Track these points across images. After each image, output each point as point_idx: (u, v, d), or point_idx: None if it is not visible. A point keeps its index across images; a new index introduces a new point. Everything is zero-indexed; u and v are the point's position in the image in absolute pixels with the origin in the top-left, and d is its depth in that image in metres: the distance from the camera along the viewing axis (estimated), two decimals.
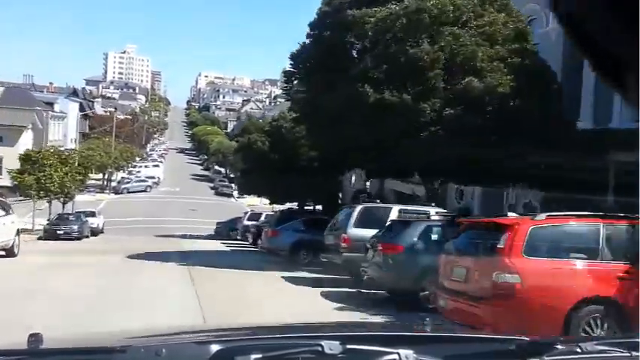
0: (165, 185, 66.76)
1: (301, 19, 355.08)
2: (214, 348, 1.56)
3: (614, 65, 0.63)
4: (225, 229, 35.89)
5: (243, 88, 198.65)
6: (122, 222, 38.89)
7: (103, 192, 56.71)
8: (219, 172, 73.97)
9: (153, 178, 63.70)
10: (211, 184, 70.10)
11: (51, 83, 68.40)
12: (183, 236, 33.73)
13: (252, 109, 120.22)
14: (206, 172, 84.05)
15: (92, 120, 79.23)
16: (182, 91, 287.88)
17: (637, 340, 1.87)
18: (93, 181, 60.26)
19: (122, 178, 64.00)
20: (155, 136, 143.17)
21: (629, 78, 0.62)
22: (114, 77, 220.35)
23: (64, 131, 64.67)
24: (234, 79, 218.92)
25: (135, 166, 72.66)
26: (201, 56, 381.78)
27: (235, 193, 61.89)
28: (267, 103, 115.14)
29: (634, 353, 1.72)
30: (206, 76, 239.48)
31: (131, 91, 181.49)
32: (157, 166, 74.91)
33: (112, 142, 57.56)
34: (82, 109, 79.02)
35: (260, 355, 1.51)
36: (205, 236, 35.40)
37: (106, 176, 57.54)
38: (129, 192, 58.14)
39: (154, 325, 5.85)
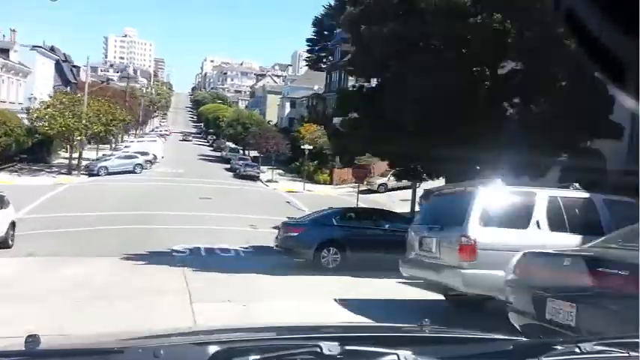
0: (165, 166, 48.37)
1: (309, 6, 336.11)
2: (212, 349, 1.50)
3: (614, 64, 0.62)
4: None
5: (253, 72, 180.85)
6: (73, 221, 20.55)
7: (71, 173, 38.02)
8: (236, 151, 55.32)
9: (146, 154, 45.02)
10: (227, 165, 51.72)
11: (13, 31, 49.04)
12: (190, 255, 16.19)
13: (268, 83, 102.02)
14: (217, 154, 65.85)
15: (76, 87, 61.05)
16: (186, 81, 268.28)
17: (637, 340, 1.78)
18: (63, 160, 42.03)
19: (103, 155, 45.25)
20: (155, 115, 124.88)
21: (629, 77, 0.61)
22: (114, 60, 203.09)
23: (29, 91, 46.23)
24: (242, 64, 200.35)
25: (124, 142, 54.02)
26: (206, 42, 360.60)
27: (263, 176, 43.51)
28: (286, 78, 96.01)
29: (633, 353, 1.68)
30: (212, 61, 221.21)
31: (132, 73, 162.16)
32: (154, 141, 56.16)
33: (84, 99, 38.65)
34: (60, 71, 60.64)
35: (258, 356, 1.47)
36: (248, 251, 17.92)
37: (77, 150, 38.65)
38: (108, 173, 39.49)
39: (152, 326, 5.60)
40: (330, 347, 1.48)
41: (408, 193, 31.44)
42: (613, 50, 0.61)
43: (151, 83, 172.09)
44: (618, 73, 0.62)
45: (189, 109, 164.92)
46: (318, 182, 42.82)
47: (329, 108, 57.24)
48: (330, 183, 43.31)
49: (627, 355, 1.70)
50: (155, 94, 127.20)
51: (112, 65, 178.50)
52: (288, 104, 76.10)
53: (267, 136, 45.82)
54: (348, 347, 1.53)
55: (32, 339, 1.61)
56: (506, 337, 1.99)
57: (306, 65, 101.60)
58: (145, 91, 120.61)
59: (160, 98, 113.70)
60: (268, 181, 43.48)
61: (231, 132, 57.55)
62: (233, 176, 46.02)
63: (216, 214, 25.32)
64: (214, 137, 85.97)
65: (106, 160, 41.82)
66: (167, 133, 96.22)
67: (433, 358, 1.63)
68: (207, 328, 3.26)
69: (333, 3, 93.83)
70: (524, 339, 1.97)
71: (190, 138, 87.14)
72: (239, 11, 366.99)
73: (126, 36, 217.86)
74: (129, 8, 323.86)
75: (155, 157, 49.79)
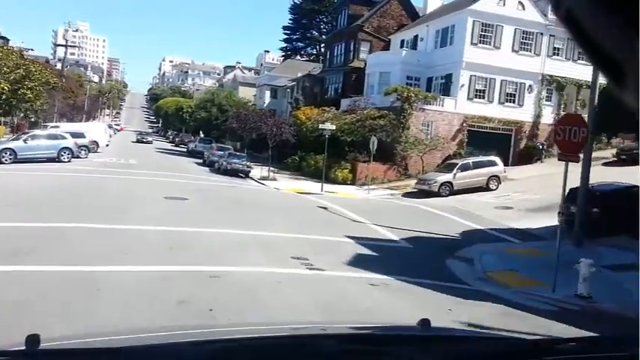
0: (109, 155, 33.34)
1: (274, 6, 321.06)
2: (212, 348, 1.48)
3: (614, 64, 0.61)
4: None
5: (216, 70, 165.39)
6: None
7: None
8: (209, 141, 40.27)
9: (81, 137, 29.94)
10: (199, 160, 37.10)
11: None
12: None
13: (239, 74, 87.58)
14: (182, 149, 50.91)
15: None
16: (143, 83, 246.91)
17: (637, 340, 1.66)
18: None
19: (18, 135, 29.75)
20: (104, 108, 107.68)
21: (630, 77, 0.60)
22: (64, 55, 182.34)
23: None
24: (203, 64, 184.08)
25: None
26: (165, 44, 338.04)
27: (273, 174, 29.54)
28: (263, 67, 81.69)
29: (633, 353, 1.61)
30: (171, 61, 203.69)
31: (82, 69, 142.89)
32: (96, 125, 40.51)
33: None
34: None
35: (258, 355, 1.44)
36: None
37: None
38: (17, 159, 24.38)
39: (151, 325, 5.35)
40: (330, 346, 1.46)
41: (501, 199, 18.15)
42: (613, 50, 0.59)
43: (103, 78, 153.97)
44: (618, 73, 0.60)
45: (146, 109, 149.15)
46: (335, 181, 29.11)
47: (333, 86, 43.85)
48: (352, 182, 29.71)
49: (627, 355, 1.64)
50: (107, 88, 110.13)
51: (60, 60, 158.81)
52: (267, 94, 62.19)
53: (260, 117, 31.66)
54: (348, 347, 1.51)
55: (32, 338, 1.57)
56: (507, 337, 2.13)
57: (282, 56, 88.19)
58: (95, 84, 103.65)
59: (110, 87, 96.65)
60: (262, 178, 29.34)
61: (202, 116, 42.74)
62: (211, 171, 31.51)
63: (217, 229, 11.28)
64: (176, 132, 70.79)
65: (13, 140, 26.42)
66: (118, 128, 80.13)
67: (433, 357, 1.56)
68: (206, 327, 3.60)
69: None
70: (524, 339, 2.03)
71: (150, 139, 58.80)
72: (199, 14, 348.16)
73: (77, 30, 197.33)
74: (81, 2, 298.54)
75: (96, 145, 34.63)
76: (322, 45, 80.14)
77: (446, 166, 26.01)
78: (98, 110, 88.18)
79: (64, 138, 27.42)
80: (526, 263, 12.29)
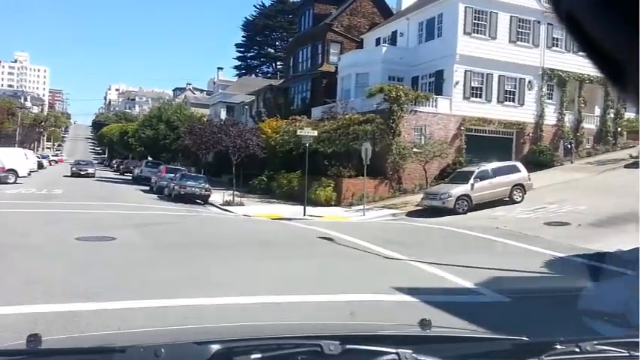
0: (28, 186, 26.24)
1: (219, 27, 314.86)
2: (213, 348, 1.43)
3: (614, 64, 0.60)
4: None
5: (165, 97, 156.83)
6: None
7: None
8: (156, 165, 33.29)
9: None
10: (145, 187, 30.41)
11: None
12: None
13: (190, 95, 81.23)
14: (127, 177, 43.77)
15: None
16: (88, 113, 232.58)
17: (637, 340, 1.71)
18: None
19: None
20: (47, 144, 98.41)
21: (629, 77, 0.59)
22: (2, 86, 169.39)
23: None
24: (152, 91, 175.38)
25: None
26: (110, 70, 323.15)
27: (239, 199, 23.42)
28: (216, 85, 75.54)
29: (633, 353, 1.61)
30: (117, 90, 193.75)
31: (22, 101, 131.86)
32: (14, 152, 32.79)
33: None
34: None
35: (259, 355, 1.43)
36: None
37: None
38: None
39: (154, 325, 5.05)
40: (330, 346, 1.43)
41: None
42: (613, 50, 0.58)
43: (44, 109, 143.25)
44: (618, 73, 0.59)
45: (91, 140, 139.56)
46: (316, 202, 23.20)
47: (299, 95, 38.17)
48: (337, 202, 23.91)
49: (628, 354, 1.62)
50: (46, 116, 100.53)
51: None
52: (223, 112, 55.97)
53: (219, 128, 25.32)
54: (348, 346, 1.47)
55: (33, 338, 1.56)
56: (507, 337, 1.88)
57: (237, 75, 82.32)
58: (30, 113, 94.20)
59: (48, 116, 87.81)
60: (226, 204, 23.08)
61: (148, 134, 35.93)
62: (160, 198, 24.95)
63: (160, 301, 5.06)
64: (120, 160, 63.23)
65: None
66: (56, 159, 71.50)
67: (433, 357, 1.51)
68: (208, 327, 3.45)
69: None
70: (524, 339, 1.79)
71: (91, 170, 40.66)
72: (145, 39, 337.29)
73: (16, 61, 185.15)
74: (19, 30, 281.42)
75: (14, 174, 27.45)
76: (279, 59, 75.32)
77: (456, 176, 20.68)
78: (34, 141, 79.14)
79: None
80: None
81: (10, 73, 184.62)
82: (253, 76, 75.17)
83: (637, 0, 0.54)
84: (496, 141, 27.07)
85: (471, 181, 19.14)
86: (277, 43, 78.14)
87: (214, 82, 77.03)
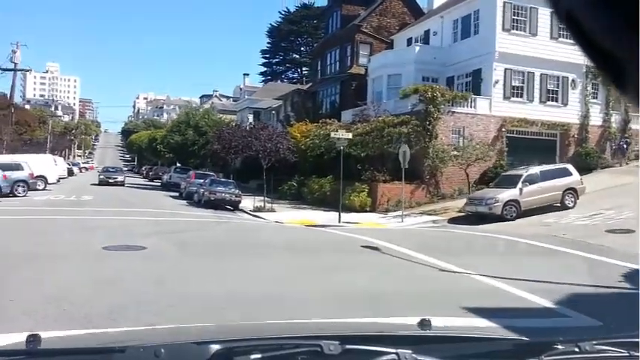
0: (57, 192, 25.86)
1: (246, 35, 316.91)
2: (213, 348, 1.42)
3: (614, 64, 0.60)
4: None
5: (192, 104, 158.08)
6: None
7: None
8: (186, 171, 32.64)
9: (16, 169, 22.59)
10: (174, 193, 29.71)
11: None
12: None
13: (217, 102, 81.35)
14: (156, 183, 43.42)
15: None
16: (118, 124, 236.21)
17: (637, 340, 1.68)
18: None
19: None
20: (78, 152, 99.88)
21: (629, 76, 0.59)
22: (34, 96, 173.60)
23: None
24: (180, 99, 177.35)
25: None
26: (139, 79, 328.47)
27: (270, 205, 22.55)
28: (242, 91, 75.31)
29: (633, 353, 1.59)
30: (145, 98, 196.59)
31: (52, 109, 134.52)
32: (44, 157, 32.61)
33: None
34: None
35: (259, 355, 1.43)
36: None
37: None
38: None
39: (154, 325, 4.87)
40: (330, 346, 1.42)
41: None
42: (612, 50, 0.58)
43: (75, 117, 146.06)
44: (618, 73, 0.59)
45: (120, 148, 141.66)
46: (350, 208, 22.10)
47: (328, 99, 37.19)
48: (372, 208, 22.76)
49: (627, 354, 1.60)
50: (76, 124, 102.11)
51: (29, 102, 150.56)
52: (250, 118, 55.44)
53: (249, 132, 24.49)
54: (348, 346, 1.47)
55: (33, 338, 1.55)
56: (507, 337, 1.98)
57: (262, 81, 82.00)
58: (61, 121, 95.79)
59: (79, 124, 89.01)
60: (257, 210, 22.18)
61: (176, 140, 35.41)
62: (189, 204, 24.23)
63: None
64: (149, 167, 63.28)
65: None
66: (86, 166, 72.12)
67: (433, 357, 1.50)
68: (208, 327, 3.45)
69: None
70: (524, 338, 1.86)
71: (120, 178, 37.95)
72: (172, 49, 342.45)
73: (47, 71, 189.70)
74: (51, 42, 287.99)
75: (43, 180, 27.17)
76: (305, 65, 74.71)
77: (502, 180, 19.31)
78: (65, 149, 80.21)
79: None
80: None
81: (41, 83, 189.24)
82: (279, 81, 74.69)
83: (637, 0, 0.53)
84: (539, 143, 25.55)
85: (520, 185, 17.77)
86: (302, 49, 77.62)
87: (240, 89, 76.91)
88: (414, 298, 7.04)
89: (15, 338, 1.73)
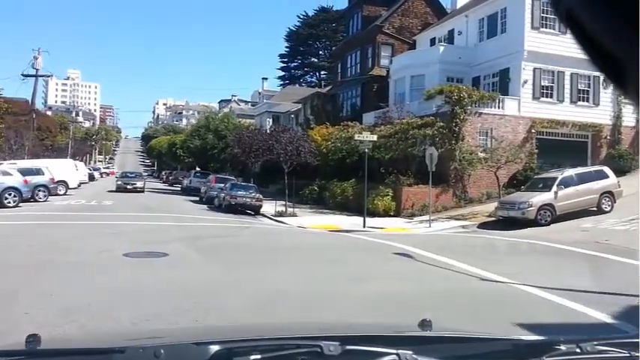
0: (77, 197, 25.73)
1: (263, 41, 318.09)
2: (213, 349, 1.41)
3: (614, 64, 0.60)
4: None
5: (211, 109, 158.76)
6: None
7: None
8: (206, 175, 32.30)
9: (37, 174, 22.46)
10: (194, 198, 29.25)
11: None
12: None
13: (236, 106, 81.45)
14: (176, 188, 43.21)
15: None
16: (138, 130, 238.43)
17: (637, 340, 1.69)
18: None
19: None
20: (99, 157, 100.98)
21: (629, 76, 0.59)
22: (55, 102, 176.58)
23: None
24: (198, 104, 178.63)
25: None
26: (158, 85, 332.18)
27: (292, 209, 22.00)
28: (261, 95, 75.26)
29: (633, 353, 1.57)
30: (165, 104, 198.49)
31: (73, 115, 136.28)
32: (72, 162, 32.53)
33: None
34: None
35: (259, 356, 1.42)
36: None
37: None
38: None
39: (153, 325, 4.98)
40: (330, 347, 1.42)
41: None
42: (613, 50, 0.58)
43: (95, 124, 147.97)
44: (618, 73, 0.59)
45: (140, 153, 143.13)
46: (374, 213, 21.45)
47: (349, 101, 36.62)
48: (397, 213, 22.08)
49: (628, 355, 1.57)
50: (97, 130, 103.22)
51: (50, 108, 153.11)
52: (269, 122, 55.16)
53: (270, 135, 24.02)
54: (348, 346, 1.46)
55: (33, 339, 1.54)
56: (507, 337, 1.89)
57: (280, 85, 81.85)
58: (82, 127, 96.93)
59: (99, 130, 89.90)
60: (278, 214, 21.68)
61: (196, 144, 35.17)
62: (210, 209, 23.84)
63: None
64: (169, 171, 63.42)
65: None
66: (107, 171, 72.62)
67: (433, 357, 1.50)
68: (208, 328, 3.51)
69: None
70: (524, 338, 1.85)
71: (139, 184, 34.56)
72: (190, 55, 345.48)
73: (68, 78, 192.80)
74: (72, 49, 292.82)
75: (65, 185, 27.10)
76: (323, 68, 74.35)
77: (534, 183, 18.48)
78: (86, 154, 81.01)
79: (7, 175, 19.86)
80: None
81: (63, 90, 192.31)
82: (297, 85, 74.39)
83: (637, 0, 0.53)
84: (569, 145, 24.60)
85: (555, 188, 16.93)
86: (320, 53, 77.30)
87: (259, 93, 76.76)
88: (460, 313, 6.39)
89: (16, 339, 1.70)
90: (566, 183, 17.23)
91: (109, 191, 32.14)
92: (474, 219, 19.23)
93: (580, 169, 18.16)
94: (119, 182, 34.17)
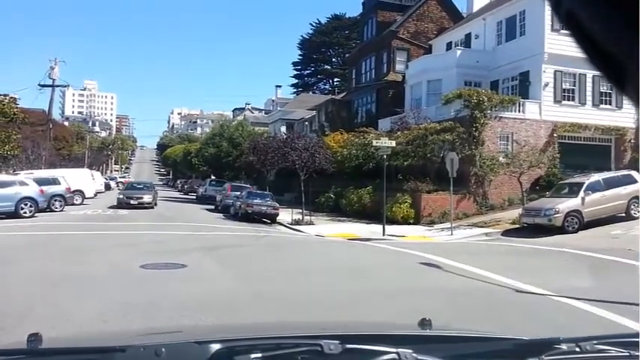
0: (94, 207, 25.63)
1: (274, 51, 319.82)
2: (214, 347, 1.41)
3: (614, 64, 0.60)
4: None
5: (225, 117, 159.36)
6: None
7: None
8: (221, 183, 32.10)
9: (53, 184, 22.40)
10: (210, 206, 28.91)
11: None
12: None
13: (250, 114, 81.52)
14: (191, 196, 43.10)
15: None
16: (153, 138, 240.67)
17: (637, 339, 1.69)
18: None
19: None
20: (115, 166, 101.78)
21: (629, 76, 0.59)
22: (72, 113, 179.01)
23: None
24: (212, 113, 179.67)
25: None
26: (173, 95, 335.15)
27: (309, 217, 21.67)
28: (275, 103, 75.22)
29: (633, 353, 1.57)
30: (179, 113, 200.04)
31: (90, 125, 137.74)
32: (89, 172, 32.53)
33: None
34: None
35: (260, 355, 1.41)
36: None
37: None
38: None
39: (155, 324, 5.08)
40: (330, 346, 1.41)
41: None
42: (613, 50, 0.58)
43: (112, 133, 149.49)
44: (618, 73, 0.59)
45: (155, 162, 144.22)
46: (393, 220, 20.96)
47: (364, 108, 36.25)
48: (416, 220, 21.57)
49: (628, 354, 1.57)
50: (113, 140, 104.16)
51: (67, 119, 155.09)
52: (283, 129, 55.02)
53: (285, 142, 23.72)
54: (348, 345, 1.45)
55: (34, 338, 1.54)
56: (506, 337, 1.88)
57: (294, 92, 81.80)
58: (98, 137, 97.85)
59: (115, 139, 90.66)
60: (295, 223, 21.31)
61: (211, 152, 35.04)
62: (226, 218, 23.57)
63: None
64: (184, 180, 63.50)
65: None
66: (123, 181, 73.04)
67: (433, 357, 1.49)
68: (209, 327, 3.45)
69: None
70: (524, 338, 1.77)
71: (147, 198, 26.70)
72: (204, 65, 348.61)
73: (85, 89, 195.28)
74: (89, 61, 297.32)
75: (81, 195, 27.04)
76: (336, 76, 74.10)
77: (559, 188, 17.88)
78: (102, 164, 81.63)
79: (24, 185, 19.77)
80: None
81: (80, 100, 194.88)
82: (310, 93, 74.23)
83: (637, 0, 0.53)
84: (592, 149, 23.91)
85: (581, 194, 16.33)
86: (334, 60, 77.17)
87: (273, 101, 76.80)
88: (505, 327, 5.92)
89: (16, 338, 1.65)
90: (593, 188, 16.61)
91: (110, 207, 28.87)
92: (497, 226, 18.65)
93: (607, 174, 17.53)
94: (120, 196, 26.84)
